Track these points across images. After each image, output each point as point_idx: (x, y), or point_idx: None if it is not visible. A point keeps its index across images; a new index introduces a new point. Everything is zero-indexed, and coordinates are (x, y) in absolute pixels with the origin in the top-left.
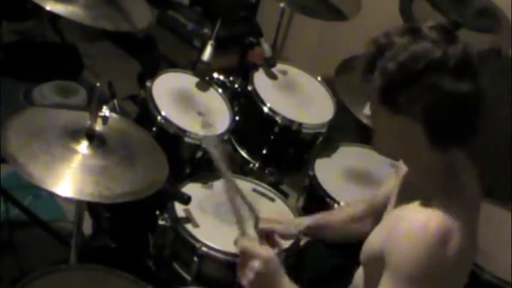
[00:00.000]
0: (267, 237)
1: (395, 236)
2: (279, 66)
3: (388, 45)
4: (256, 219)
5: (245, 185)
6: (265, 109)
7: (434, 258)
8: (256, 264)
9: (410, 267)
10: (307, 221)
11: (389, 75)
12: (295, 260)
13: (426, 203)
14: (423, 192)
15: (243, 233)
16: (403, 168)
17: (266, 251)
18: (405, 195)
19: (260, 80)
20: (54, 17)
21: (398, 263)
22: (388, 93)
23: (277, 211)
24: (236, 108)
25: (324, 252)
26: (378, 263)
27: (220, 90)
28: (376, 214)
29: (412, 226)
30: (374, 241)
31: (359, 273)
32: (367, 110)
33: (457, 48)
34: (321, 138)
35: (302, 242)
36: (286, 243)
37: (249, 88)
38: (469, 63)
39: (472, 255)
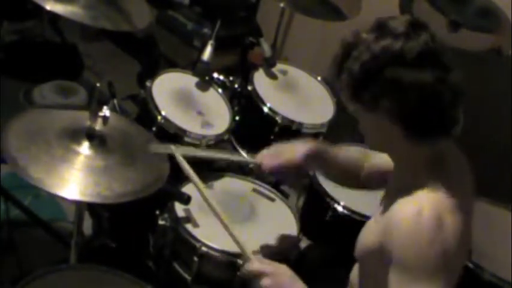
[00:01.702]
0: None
1: (393, 231)
2: (279, 66)
3: (354, 45)
4: (256, 166)
5: (245, 185)
6: (265, 109)
7: (435, 244)
8: (267, 281)
9: (415, 259)
10: (312, 145)
11: (354, 76)
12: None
13: (416, 192)
14: (411, 183)
15: (246, 258)
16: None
17: (273, 265)
18: (394, 191)
19: (260, 80)
20: (54, 16)
21: (402, 258)
22: (356, 93)
23: (277, 211)
24: (236, 108)
25: (323, 256)
26: (374, 257)
27: (220, 90)
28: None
29: (407, 217)
30: (369, 235)
31: (354, 272)
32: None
33: (418, 40)
34: (321, 138)
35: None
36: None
37: (249, 88)
38: (432, 54)
39: (466, 242)
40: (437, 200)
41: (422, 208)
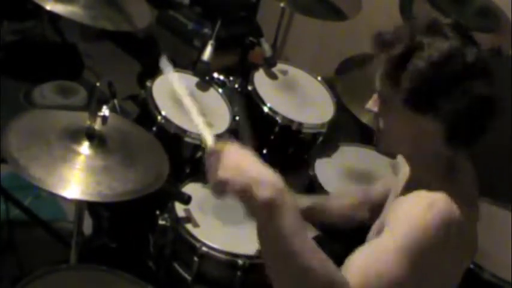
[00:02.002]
0: None
1: (398, 209)
2: (279, 66)
3: (418, 44)
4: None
5: None
6: (265, 109)
7: (434, 237)
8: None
9: (406, 235)
10: (307, 201)
11: (422, 77)
12: None
13: (429, 191)
14: (425, 186)
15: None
16: (403, 170)
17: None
18: (404, 191)
19: (260, 79)
20: (54, 16)
21: (400, 226)
22: (419, 95)
23: None
24: (236, 108)
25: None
26: None
27: (220, 90)
28: (371, 206)
29: (419, 204)
30: (373, 232)
31: None
32: (371, 105)
33: (479, 50)
34: (321, 138)
35: None
36: None
37: (249, 88)
38: (488, 65)
39: (470, 250)
40: (451, 201)
41: (436, 201)
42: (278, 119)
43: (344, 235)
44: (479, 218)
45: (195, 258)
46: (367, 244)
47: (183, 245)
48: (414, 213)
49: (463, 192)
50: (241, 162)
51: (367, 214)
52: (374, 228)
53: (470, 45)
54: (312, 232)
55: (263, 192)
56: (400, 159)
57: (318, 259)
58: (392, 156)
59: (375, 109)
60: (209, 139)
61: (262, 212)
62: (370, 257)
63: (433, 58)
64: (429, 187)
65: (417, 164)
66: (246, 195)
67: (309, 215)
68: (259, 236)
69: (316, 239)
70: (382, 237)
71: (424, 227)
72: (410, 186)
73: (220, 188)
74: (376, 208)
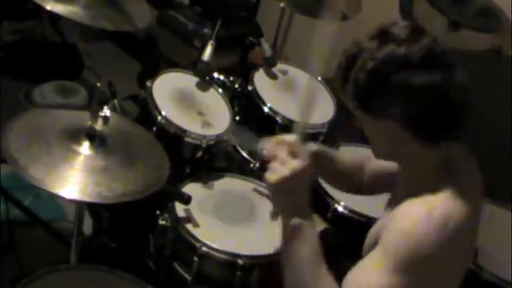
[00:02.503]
0: None
1: (395, 220)
2: (279, 66)
3: (357, 54)
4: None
5: (245, 185)
6: (266, 109)
7: (431, 248)
8: (296, 163)
9: (406, 252)
10: (315, 147)
11: (360, 85)
12: None
13: (427, 194)
14: (421, 187)
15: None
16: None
17: (308, 160)
18: (402, 194)
19: (260, 79)
20: (54, 17)
21: (392, 246)
22: (364, 102)
23: None
24: (236, 108)
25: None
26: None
27: (220, 90)
28: (371, 174)
29: (415, 212)
30: (374, 234)
31: None
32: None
33: (420, 44)
34: (321, 138)
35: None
36: None
37: (250, 88)
38: (435, 56)
39: (469, 250)
40: (448, 205)
41: (433, 209)
42: (278, 119)
43: (350, 229)
44: (481, 210)
45: (195, 258)
46: (362, 262)
47: (183, 245)
48: (409, 229)
49: (463, 191)
50: (297, 189)
51: (364, 180)
52: (373, 231)
53: (410, 42)
54: (320, 225)
55: (297, 219)
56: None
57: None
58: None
59: (359, 123)
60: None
61: (289, 232)
62: (365, 279)
63: (367, 65)
64: (426, 191)
65: (409, 169)
66: (283, 213)
67: (316, 159)
68: (282, 250)
69: (324, 231)
70: (378, 257)
71: (420, 243)
72: (408, 192)
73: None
74: (375, 179)
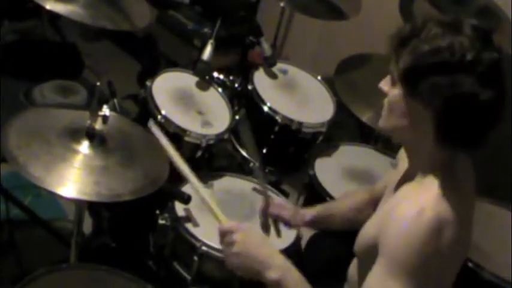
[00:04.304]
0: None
1: (390, 224)
2: (279, 66)
3: (426, 28)
4: (267, 200)
5: (245, 185)
6: (265, 108)
7: (427, 247)
8: (234, 236)
9: (403, 255)
10: (312, 212)
11: (420, 57)
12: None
13: (422, 192)
14: (419, 181)
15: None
16: (401, 163)
17: (244, 225)
18: (399, 186)
19: (260, 79)
20: (54, 16)
21: (391, 251)
22: (414, 75)
23: None
24: (236, 108)
25: (324, 247)
26: (372, 253)
27: (220, 89)
28: (375, 205)
29: (407, 214)
30: (369, 231)
31: (353, 267)
32: (383, 84)
33: (491, 55)
34: (321, 138)
35: (302, 241)
36: (286, 242)
37: (249, 87)
38: (498, 73)
39: (464, 249)
40: (441, 204)
41: (424, 209)
42: (278, 118)
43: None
44: (473, 213)
45: (195, 258)
46: (369, 273)
47: (183, 244)
48: (403, 231)
49: (458, 189)
50: (251, 249)
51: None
52: (369, 231)
53: (483, 47)
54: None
55: (272, 275)
56: (400, 155)
57: None
58: (392, 155)
59: (385, 88)
60: (221, 215)
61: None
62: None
63: (435, 42)
64: (423, 182)
65: (414, 154)
66: (257, 277)
67: (315, 224)
68: None
69: (314, 236)
70: (380, 265)
71: (414, 243)
72: (405, 180)
73: (234, 270)
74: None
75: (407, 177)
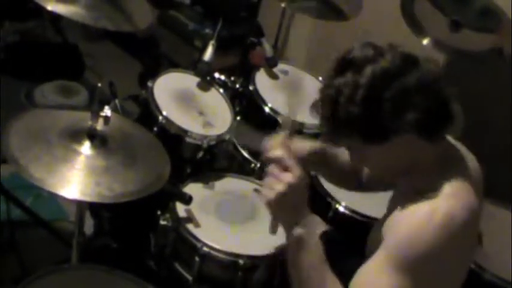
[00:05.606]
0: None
1: (399, 222)
2: (280, 66)
3: (336, 93)
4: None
5: (246, 185)
6: (267, 109)
7: (434, 248)
8: (289, 177)
9: (406, 250)
10: (315, 146)
11: (356, 119)
12: None
13: (432, 194)
14: (425, 187)
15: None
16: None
17: (301, 170)
18: (406, 193)
19: (261, 79)
20: (55, 17)
21: (394, 245)
22: (366, 133)
23: None
24: (237, 108)
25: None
26: None
27: (221, 90)
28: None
29: (419, 213)
30: (378, 233)
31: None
32: (354, 163)
33: (391, 51)
34: (320, 137)
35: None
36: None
37: (251, 88)
38: (408, 54)
39: (471, 247)
40: (452, 205)
41: (436, 208)
42: (279, 119)
43: (351, 229)
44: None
45: (196, 259)
46: (367, 264)
47: (184, 245)
48: (412, 229)
49: (465, 189)
50: (294, 202)
51: (364, 176)
52: (377, 231)
53: (382, 56)
54: (323, 227)
55: (298, 230)
56: None
57: None
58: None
59: (356, 161)
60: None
61: (293, 243)
62: (369, 280)
63: (356, 96)
64: (429, 189)
65: (412, 172)
66: (284, 224)
67: (320, 157)
68: (288, 257)
69: (326, 232)
70: (381, 258)
71: (423, 243)
72: (412, 189)
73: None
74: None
75: (409, 194)
